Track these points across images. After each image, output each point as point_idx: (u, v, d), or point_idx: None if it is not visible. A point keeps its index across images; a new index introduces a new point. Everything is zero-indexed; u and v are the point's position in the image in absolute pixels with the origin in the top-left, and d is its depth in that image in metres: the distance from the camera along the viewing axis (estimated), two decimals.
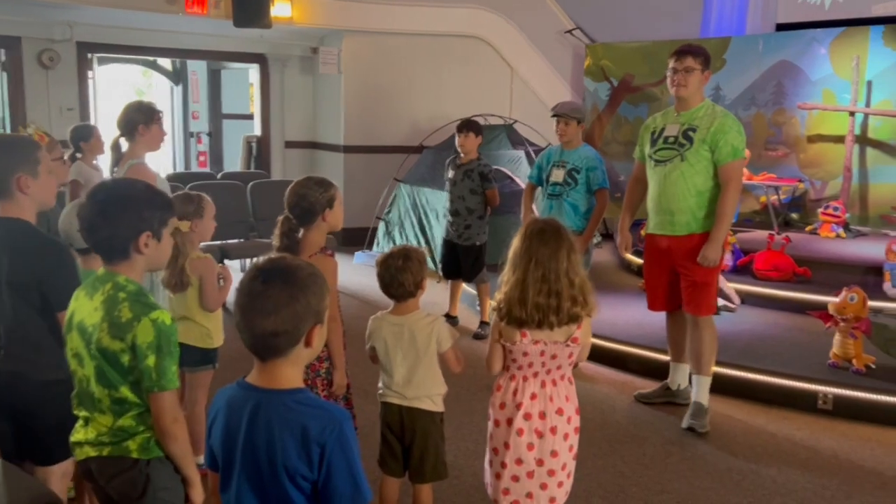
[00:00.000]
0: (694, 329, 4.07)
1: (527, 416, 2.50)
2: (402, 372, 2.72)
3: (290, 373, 1.66)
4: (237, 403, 1.67)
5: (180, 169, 11.33)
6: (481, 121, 6.20)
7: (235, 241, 7.18)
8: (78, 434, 2.07)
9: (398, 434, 2.78)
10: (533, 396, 2.51)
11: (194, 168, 11.52)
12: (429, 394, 2.74)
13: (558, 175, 4.88)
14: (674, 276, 4.09)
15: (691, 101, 3.96)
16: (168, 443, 1.99)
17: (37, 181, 2.43)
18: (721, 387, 4.34)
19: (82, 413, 2.06)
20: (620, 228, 4.42)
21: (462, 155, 5.52)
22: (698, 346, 4.06)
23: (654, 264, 4.21)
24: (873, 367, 4.41)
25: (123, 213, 1.98)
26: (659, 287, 4.20)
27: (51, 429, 2.39)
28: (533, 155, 7.59)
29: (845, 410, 4.22)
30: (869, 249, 6.33)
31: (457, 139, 5.50)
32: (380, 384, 2.83)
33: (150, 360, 1.92)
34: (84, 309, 2.02)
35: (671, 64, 3.97)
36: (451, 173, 5.61)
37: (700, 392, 4.10)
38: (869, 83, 7.23)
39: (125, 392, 1.97)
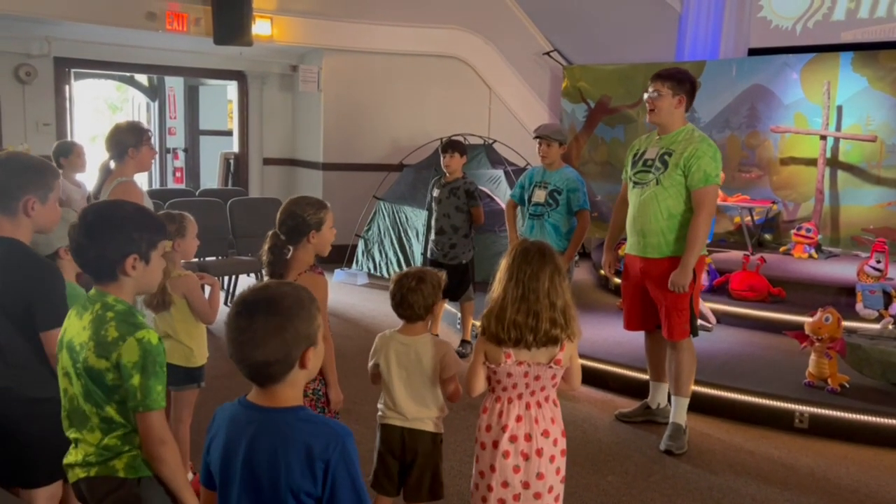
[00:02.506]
0: (672, 351, 4.11)
1: (512, 439, 2.51)
2: (405, 392, 2.73)
3: (289, 393, 1.68)
4: (238, 422, 1.68)
5: (156, 185, 11.24)
6: (460, 140, 6.26)
7: (214, 258, 7.14)
8: (70, 456, 2.06)
9: (399, 455, 2.77)
10: (518, 419, 2.52)
11: (170, 184, 11.45)
12: (430, 416, 2.75)
13: (540, 196, 4.94)
14: (648, 297, 4.14)
15: (670, 126, 4.01)
16: (156, 466, 1.97)
17: (44, 207, 2.42)
18: (699, 406, 4.40)
19: (73, 434, 2.05)
20: (605, 248, 4.47)
21: (447, 174, 5.57)
22: (677, 368, 4.10)
23: (629, 284, 4.26)
24: (848, 386, 4.49)
25: (110, 234, 1.98)
26: (634, 307, 4.25)
27: (33, 448, 2.37)
28: (512, 174, 7.67)
29: (821, 429, 4.29)
30: (841, 270, 6.46)
31: (442, 160, 5.56)
32: (380, 405, 2.82)
33: (135, 380, 1.91)
34: (74, 328, 2.02)
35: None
36: (436, 192, 5.66)
37: (678, 413, 4.14)
38: (839, 108, 7.42)
39: (110, 412, 1.97)
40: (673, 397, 4.17)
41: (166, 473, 1.97)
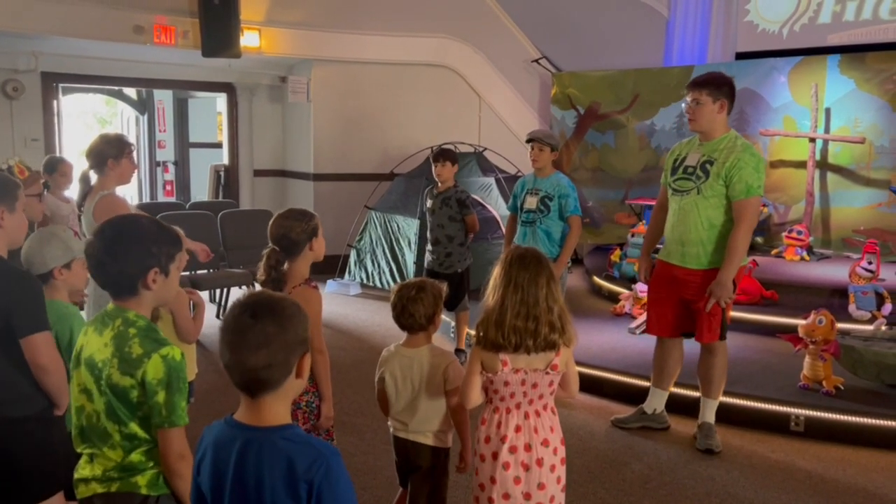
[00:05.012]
0: (707, 355, 4.12)
1: (512, 450, 2.49)
2: (407, 405, 2.73)
3: (278, 409, 1.65)
4: (225, 441, 1.65)
5: (146, 198, 11.20)
6: (451, 149, 6.25)
7: (205, 271, 7.10)
8: (83, 470, 2.04)
9: (405, 463, 2.81)
10: (517, 429, 2.50)
11: (161, 197, 11.40)
12: (432, 429, 2.73)
13: (532, 202, 4.93)
14: (680, 305, 4.10)
15: (713, 132, 3.95)
16: (174, 480, 1.99)
17: (13, 216, 2.45)
18: (694, 411, 4.37)
19: (87, 450, 2.04)
20: (643, 254, 4.42)
21: (439, 184, 5.56)
22: (710, 372, 4.12)
23: (661, 290, 4.19)
24: (842, 388, 4.49)
25: (132, 249, 1.99)
26: (663, 313, 4.20)
27: (19, 469, 2.33)
28: (503, 182, 7.67)
29: (817, 432, 4.29)
30: (833, 272, 6.47)
31: (433, 169, 5.54)
32: (390, 417, 2.85)
33: (160, 397, 1.92)
34: (93, 344, 2.01)
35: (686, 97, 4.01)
36: (428, 202, 5.64)
37: (709, 413, 4.18)
38: (827, 110, 7.45)
39: (134, 428, 1.97)
40: (703, 399, 4.19)
41: (182, 487, 1.98)
